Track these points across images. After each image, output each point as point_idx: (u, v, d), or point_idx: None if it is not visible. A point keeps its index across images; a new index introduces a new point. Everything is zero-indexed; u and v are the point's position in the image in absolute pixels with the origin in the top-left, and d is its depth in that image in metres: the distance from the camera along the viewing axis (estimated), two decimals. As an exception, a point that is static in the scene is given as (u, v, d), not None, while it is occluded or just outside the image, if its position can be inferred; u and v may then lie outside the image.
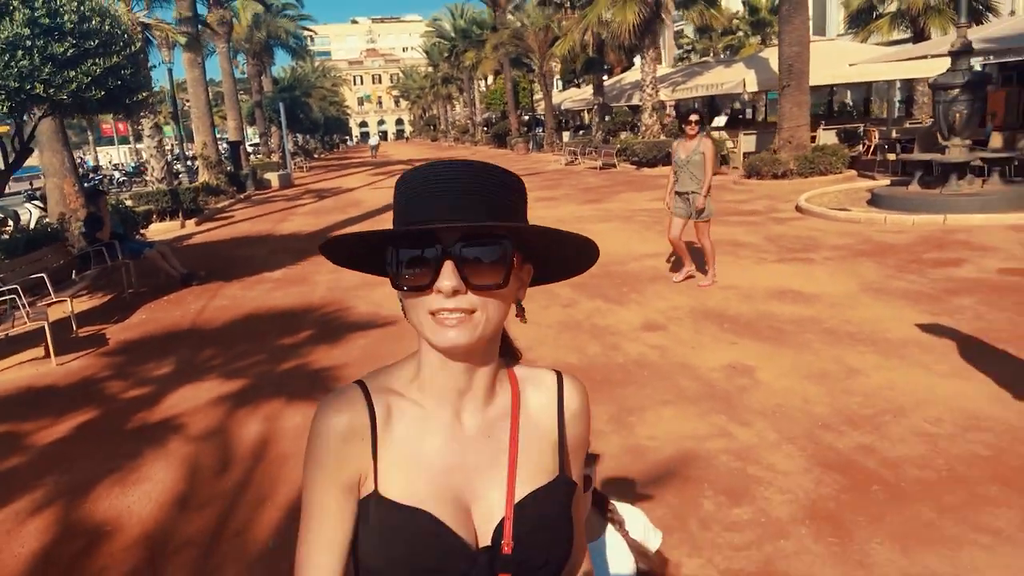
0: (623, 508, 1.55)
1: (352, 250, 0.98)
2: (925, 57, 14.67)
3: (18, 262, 8.41)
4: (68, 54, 6.92)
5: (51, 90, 6.82)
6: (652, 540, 1.61)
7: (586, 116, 36.51)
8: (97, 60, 7.21)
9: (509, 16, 36.87)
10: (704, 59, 28.41)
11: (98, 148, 61.30)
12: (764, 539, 3.08)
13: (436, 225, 0.87)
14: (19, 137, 8.23)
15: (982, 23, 19.74)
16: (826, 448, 3.81)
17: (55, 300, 7.41)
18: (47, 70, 6.71)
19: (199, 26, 22.76)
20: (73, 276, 8.87)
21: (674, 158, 7.27)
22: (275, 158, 34.09)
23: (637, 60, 36.34)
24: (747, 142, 18.56)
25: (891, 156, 14.55)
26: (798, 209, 11.53)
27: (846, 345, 5.37)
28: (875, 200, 11.14)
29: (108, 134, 64.36)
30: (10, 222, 14.66)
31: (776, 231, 10.11)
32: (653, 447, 3.99)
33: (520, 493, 0.98)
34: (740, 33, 31.19)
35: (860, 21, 23.54)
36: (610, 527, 1.50)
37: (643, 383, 4.96)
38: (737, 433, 4.07)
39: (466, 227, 0.88)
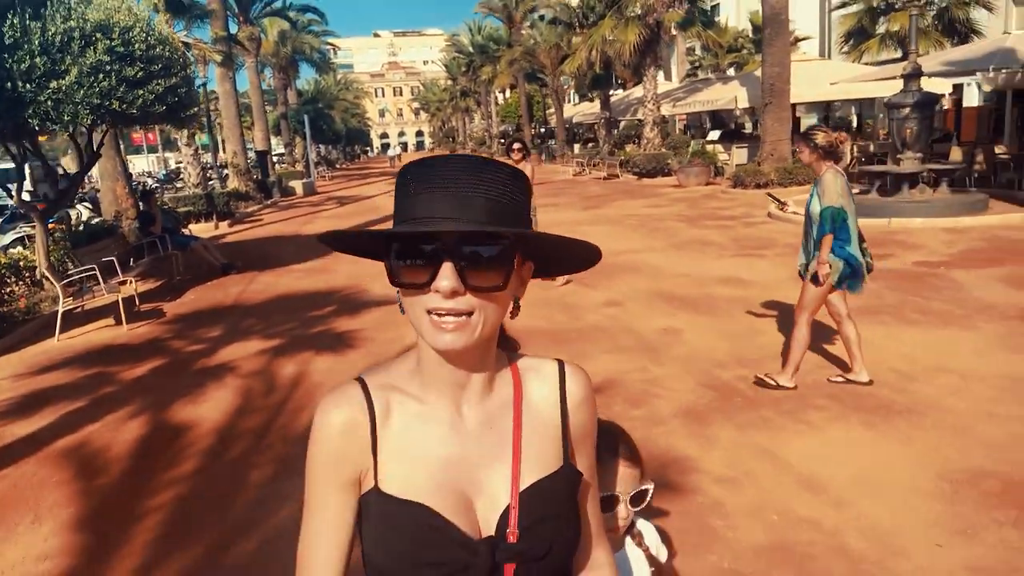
0: (640, 523, 1.55)
1: (354, 242, 0.99)
2: (895, 78, 15.88)
3: (86, 251, 9.91)
4: (137, 76, 8.41)
5: (124, 106, 8.31)
6: (662, 554, 1.62)
7: (598, 129, 37.88)
8: (160, 80, 8.71)
9: (525, 32, 38.49)
10: (706, 76, 29.69)
11: (127, 157, 63.61)
12: (647, 426, 4.42)
13: (436, 229, 0.86)
14: (90, 146, 9.75)
15: (969, 41, 20.86)
16: (712, 377, 5.14)
17: (121, 280, 8.86)
18: (121, 89, 8.21)
19: (231, 43, 24.44)
20: (131, 263, 10.38)
21: None
22: (299, 167, 35.85)
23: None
24: (739, 154, 19.85)
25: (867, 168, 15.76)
26: (769, 215, 12.80)
27: (761, 316, 6.69)
28: (838, 207, 12.37)
29: (137, 143, 66.69)
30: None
31: (743, 233, 11.41)
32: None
33: (524, 483, 0.98)
34: (744, 51, 32.45)
35: (853, 42, 24.73)
36: (629, 540, 1.51)
37: (594, 341, 6.30)
38: (651, 369, 5.42)
39: (469, 229, 0.87)
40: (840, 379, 4.88)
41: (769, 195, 5.36)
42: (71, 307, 8.10)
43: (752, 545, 3.12)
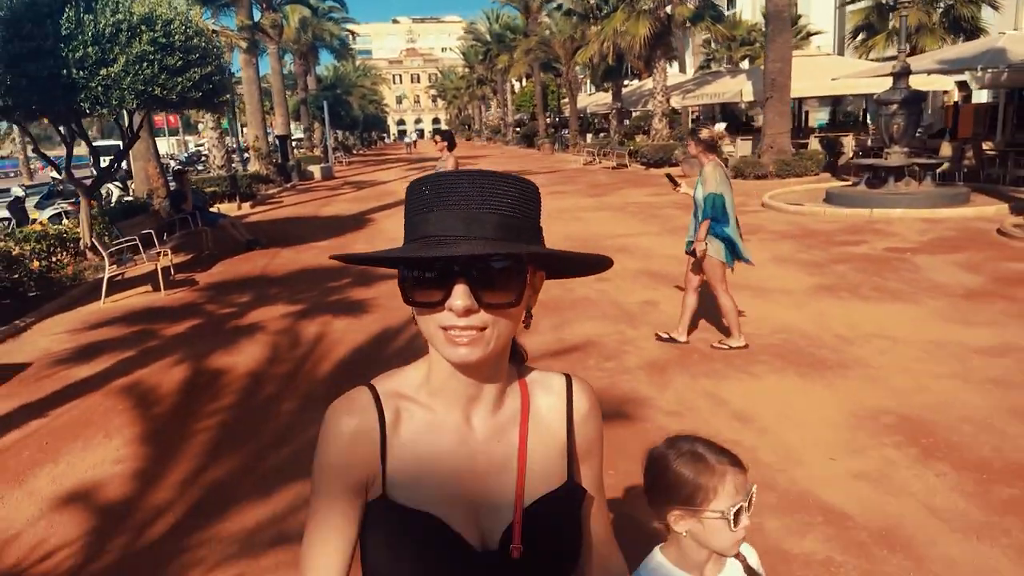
0: (745, 549, 1.55)
1: (359, 257, 0.98)
2: (889, 75, 16.46)
3: (122, 225, 10.78)
4: (177, 64, 9.25)
5: (164, 92, 9.15)
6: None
7: (609, 119, 38.43)
8: (196, 69, 9.54)
9: (545, 19, 39.10)
10: (718, 69, 30.20)
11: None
12: (616, 374, 5.21)
13: (447, 253, 0.86)
14: (131, 128, 10.61)
15: (975, 39, 21.30)
16: (700, 340, 5.90)
17: (159, 251, 9.73)
18: (163, 77, 9.05)
19: (254, 31, 25.28)
20: (164, 238, 11.25)
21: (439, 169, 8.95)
22: (317, 152, 36.72)
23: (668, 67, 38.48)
24: (744, 146, 20.46)
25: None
26: (763, 205, 13.49)
27: (738, 290, 7.33)
28: (828, 198, 13.04)
29: (159, 125, 68.01)
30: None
31: (734, 220, 12.11)
32: (571, 338, 6.13)
33: (529, 498, 0.98)
34: (757, 44, 32.90)
35: (862, 38, 25.19)
36: (731, 561, 1.51)
37: (582, 310, 7.08)
38: (627, 332, 6.21)
39: (480, 252, 0.86)
40: (722, 346, 5.63)
41: (667, 176, 6.12)
42: (115, 274, 8.98)
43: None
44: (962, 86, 22.98)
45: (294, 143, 37.65)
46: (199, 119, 31.20)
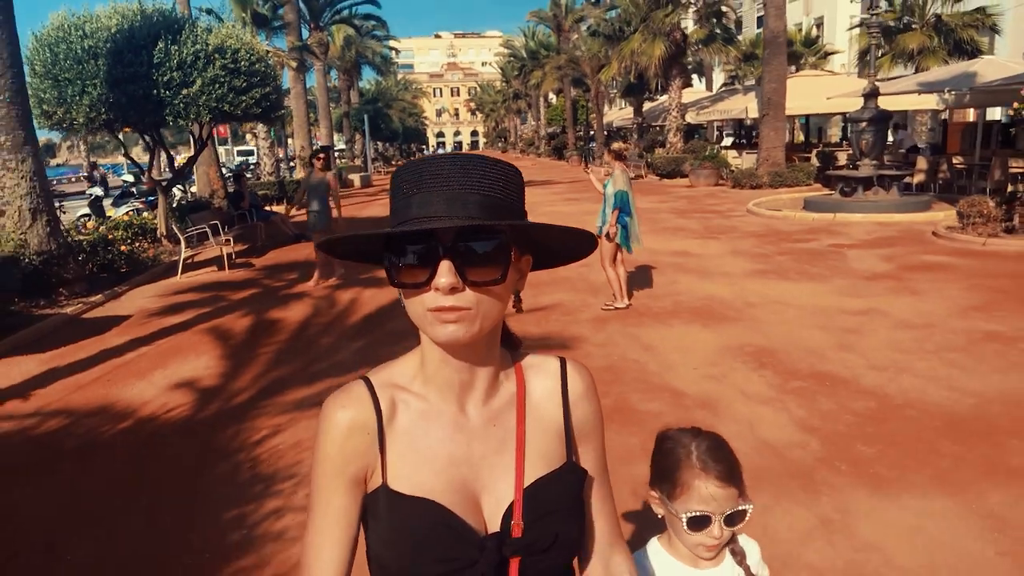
0: (743, 540, 1.54)
1: (352, 246, 1.01)
2: (883, 94, 17.91)
3: (194, 217, 12.86)
4: (243, 85, 11.30)
5: (232, 108, 11.20)
6: (763, 573, 1.59)
7: (631, 133, 40.07)
8: (258, 89, 11.59)
9: (573, 40, 41.04)
10: (733, 87, 31.70)
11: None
12: (568, 324, 6.98)
13: (429, 226, 0.88)
14: (200, 138, 12.72)
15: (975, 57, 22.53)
16: (640, 305, 7.64)
17: (224, 239, 11.76)
18: (231, 96, 11.10)
19: (302, 51, 27.60)
20: (224, 230, 13.32)
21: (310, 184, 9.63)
22: (357, 162, 39.07)
23: (696, 82, 40.17)
24: (749, 159, 22.01)
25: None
26: (747, 210, 15.09)
27: (687, 273, 9.13)
28: (806, 205, 14.59)
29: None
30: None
31: (716, 222, 13.77)
32: (544, 302, 7.91)
33: (528, 479, 1.01)
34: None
35: (865, 60, 26.59)
36: (730, 556, 1.50)
37: (558, 285, 8.81)
38: (589, 300, 7.98)
39: (462, 224, 0.88)
40: (609, 307, 7.33)
41: (583, 161, 7.97)
42: (189, 255, 11.02)
43: (596, 366, 5.65)
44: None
45: (336, 153, 40.06)
46: (245, 130, 33.60)
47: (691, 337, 6.40)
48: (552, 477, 1.02)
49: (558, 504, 1.02)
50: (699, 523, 1.39)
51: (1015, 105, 10.74)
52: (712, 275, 8.97)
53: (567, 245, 1.04)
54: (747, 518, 1.42)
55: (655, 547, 1.53)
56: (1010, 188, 12.66)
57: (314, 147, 30.51)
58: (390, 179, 0.97)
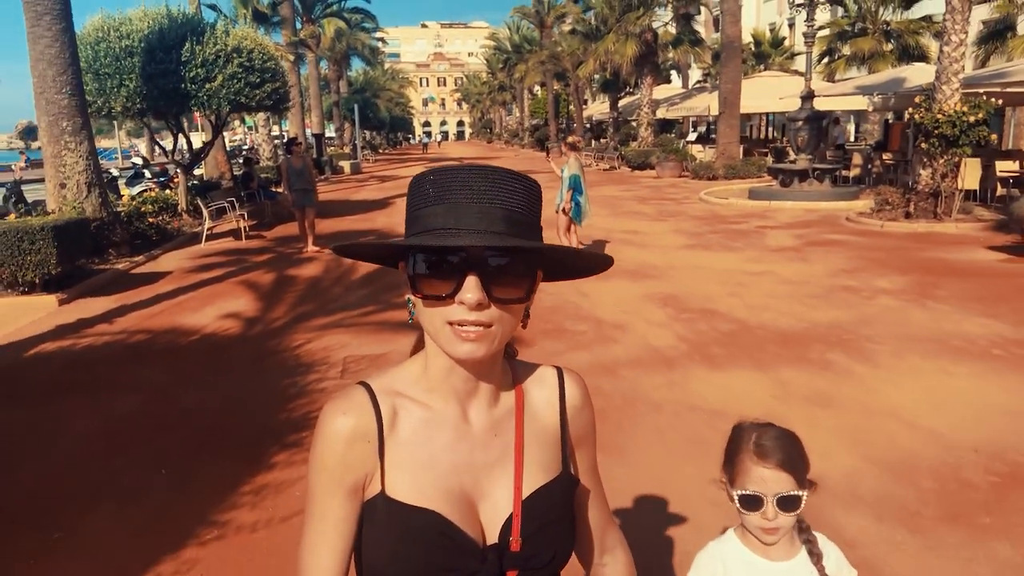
0: (823, 541, 1.53)
1: (370, 251, 1.01)
2: (820, 96, 19.89)
3: (211, 194, 14.59)
4: (256, 81, 13.04)
5: (247, 100, 12.95)
6: (845, 573, 1.57)
7: (607, 127, 41.95)
8: (269, 84, 13.34)
9: (555, 36, 42.83)
10: (704, 85, 33.65)
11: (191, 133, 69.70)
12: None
13: (467, 243, 0.87)
14: (216, 125, 14.46)
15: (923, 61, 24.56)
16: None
17: (240, 214, 13.52)
18: (247, 90, 12.84)
19: (297, 46, 29.25)
20: (236, 207, 15.09)
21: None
22: (346, 150, 40.73)
23: (675, 78, 42.21)
24: (710, 153, 23.95)
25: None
26: (700, 199, 17.02)
27: (631, 246, 11.02)
28: (751, 194, 16.53)
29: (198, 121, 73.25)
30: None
31: (670, 208, 15.70)
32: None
33: (527, 490, 1.00)
34: (746, 64, 36.37)
35: (826, 61, 28.62)
36: (804, 554, 1.51)
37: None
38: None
39: (501, 244, 0.88)
40: None
41: (546, 151, 9.98)
42: (211, 226, 12.78)
43: (545, 306, 7.52)
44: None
45: (326, 141, 41.68)
46: (236, 118, 35.12)
47: (621, 289, 8.29)
48: (548, 487, 1.03)
49: (554, 515, 1.02)
50: (750, 502, 1.43)
51: (908, 110, 12.67)
52: (651, 247, 10.89)
53: (587, 266, 1.07)
54: (802, 504, 1.42)
55: (730, 535, 1.57)
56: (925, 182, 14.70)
57: (308, 136, 32.26)
58: (409, 184, 0.98)
